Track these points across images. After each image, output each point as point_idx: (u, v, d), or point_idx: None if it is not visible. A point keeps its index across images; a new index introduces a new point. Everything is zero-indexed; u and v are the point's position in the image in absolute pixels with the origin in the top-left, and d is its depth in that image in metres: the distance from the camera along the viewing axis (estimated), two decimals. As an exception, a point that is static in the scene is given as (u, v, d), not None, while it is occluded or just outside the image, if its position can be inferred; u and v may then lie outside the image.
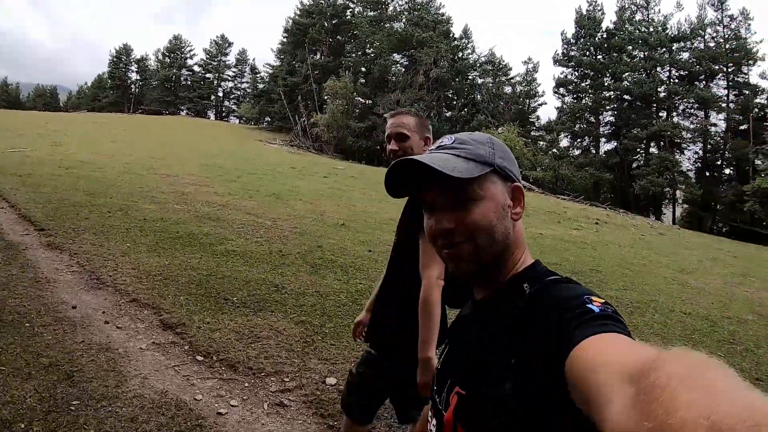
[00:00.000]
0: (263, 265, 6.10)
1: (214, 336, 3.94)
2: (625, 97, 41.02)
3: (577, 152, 43.03)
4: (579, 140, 43.61)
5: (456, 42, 48.65)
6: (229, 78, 70.53)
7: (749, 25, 37.16)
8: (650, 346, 0.55)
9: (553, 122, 43.91)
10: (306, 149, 40.79)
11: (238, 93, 70.20)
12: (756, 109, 36.17)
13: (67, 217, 7.50)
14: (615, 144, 41.57)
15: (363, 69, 49.83)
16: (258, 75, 64.98)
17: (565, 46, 44.16)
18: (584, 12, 43.52)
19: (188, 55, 70.40)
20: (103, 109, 62.93)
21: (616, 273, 9.80)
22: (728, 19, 37.69)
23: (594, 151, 42.64)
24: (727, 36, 37.75)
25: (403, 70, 47.77)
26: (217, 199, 10.83)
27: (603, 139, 43.03)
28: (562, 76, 44.15)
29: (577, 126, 42.70)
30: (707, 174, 38.61)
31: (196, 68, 70.25)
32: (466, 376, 0.84)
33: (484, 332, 0.86)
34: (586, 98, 42.82)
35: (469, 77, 48.02)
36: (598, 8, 43.53)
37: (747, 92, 36.87)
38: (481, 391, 0.78)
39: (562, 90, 44.29)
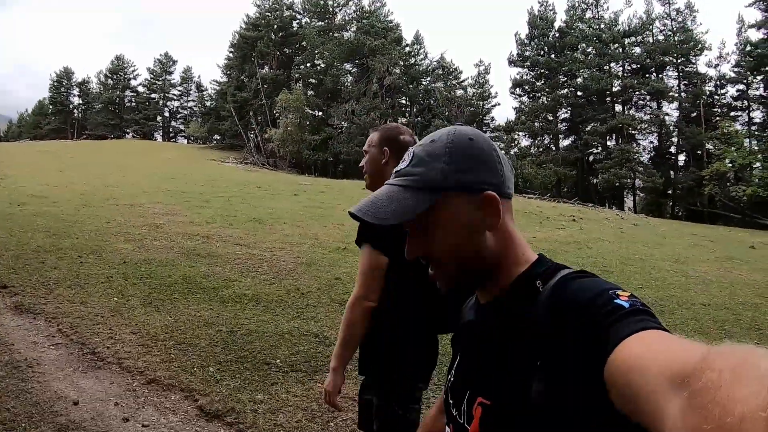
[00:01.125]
0: (287, 309, 5.15)
1: (278, 420, 3.01)
2: (579, 93, 41.73)
3: (536, 150, 43.31)
4: (539, 139, 43.95)
5: (408, 48, 48.48)
6: (175, 97, 67.92)
7: (695, 17, 38.93)
8: (691, 341, 0.52)
9: (512, 122, 44.11)
10: (261, 166, 39.70)
11: (185, 112, 67.72)
12: (705, 96, 37.67)
13: (33, 268, 6.30)
14: (573, 138, 42.08)
15: (313, 80, 48.96)
16: (205, 92, 63.01)
17: (520, 47, 44.45)
18: (536, 12, 43.93)
19: (132, 76, 67.34)
20: (46, 136, 59.69)
21: (625, 271, 9.79)
22: (675, 13, 39.25)
23: (554, 149, 42.98)
24: (675, 29, 39.17)
25: (355, 79, 47.15)
26: (197, 229, 9.70)
27: (561, 136, 43.54)
28: (518, 76, 44.52)
29: (536, 125, 43.03)
30: (663, 162, 39.68)
31: (141, 89, 67.26)
32: (487, 384, 0.77)
33: (499, 336, 0.79)
34: (543, 97, 43.20)
35: (423, 83, 47.87)
36: (550, 8, 44.12)
37: (696, 81, 38.40)
38: (507, 398, 0.72)
39: (518, 90, 44.60)
